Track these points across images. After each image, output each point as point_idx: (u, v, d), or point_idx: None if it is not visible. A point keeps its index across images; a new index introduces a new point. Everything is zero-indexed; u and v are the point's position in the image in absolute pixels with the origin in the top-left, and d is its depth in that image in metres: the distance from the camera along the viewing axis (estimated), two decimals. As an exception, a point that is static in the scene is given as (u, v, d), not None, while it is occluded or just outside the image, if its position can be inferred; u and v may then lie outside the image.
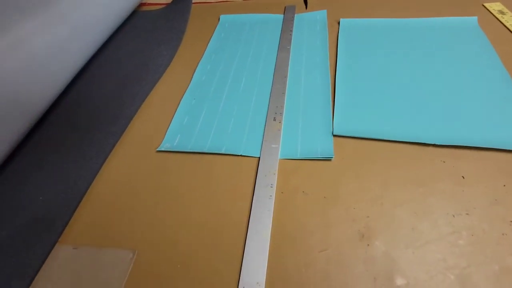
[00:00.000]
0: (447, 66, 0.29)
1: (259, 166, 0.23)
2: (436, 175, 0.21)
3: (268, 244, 0.19)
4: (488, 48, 0.30)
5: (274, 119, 0.27)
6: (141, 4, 0.47)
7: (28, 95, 0.26)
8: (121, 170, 0.25)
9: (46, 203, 0.22)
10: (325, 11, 0.39)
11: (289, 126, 0.26)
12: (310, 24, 0.38)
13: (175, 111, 0.29)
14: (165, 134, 0.27)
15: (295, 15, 0.40)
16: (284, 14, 0.41)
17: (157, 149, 0.26)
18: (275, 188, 0.22)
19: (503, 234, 0.18)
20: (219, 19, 0.42)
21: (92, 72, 0.35)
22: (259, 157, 0.24)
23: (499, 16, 0.33)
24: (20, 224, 0.21)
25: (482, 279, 0.16)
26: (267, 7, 0.43)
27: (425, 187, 0.21)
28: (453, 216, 0.19)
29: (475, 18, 0.34)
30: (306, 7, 0.41)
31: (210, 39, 0.38)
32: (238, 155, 0.24)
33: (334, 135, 0.24)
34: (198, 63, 0.35)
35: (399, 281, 0.17)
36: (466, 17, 0.34)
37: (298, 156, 0.23)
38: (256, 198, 0.21)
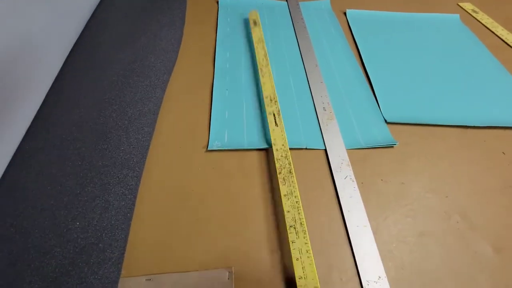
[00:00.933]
0: (456, 57, 0.32)
1: (329, 159, 0.22)
2: (482, 154, 0.24)
3: (373, 236, 0.18)
4: (477, 41, 0.35)
5: (324, 109, 0.26)
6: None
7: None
8: (171, 177, 0.21)
9: (86, 228, 0.17)
10: (328, 0, 0.39)
11: (341, 116, 0.25)
12: (317, 13, 0.38)
13: (211, 104, 0.26)
14: (208, 130, 0.24)
15: (299, 3, 0.39)
16: (287, 0, 0.40)
17: (208, 148, 0.22)
18: (355, 180, 0.21)
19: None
20: (217, 2, 0.38)
21: (80, 67, 0.28)
22: (325, 149, 0.23)
23: (474, 14, 0.39)
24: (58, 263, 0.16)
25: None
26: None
27: (478, 165, 0.23)
28: (511, 187, 0.22)
29: (457, 15, 0.39)
30: (307, -4, 0.41)
31: (216, 23, 0.35)
32: (303, 149, 0.23)
33: (387, 123, 0.25)
34: (213, 50, 0.31)
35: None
36: (449, 14, 0.39)
37: (363, 145, 0.23)
38: (341, 192, 0.20)
